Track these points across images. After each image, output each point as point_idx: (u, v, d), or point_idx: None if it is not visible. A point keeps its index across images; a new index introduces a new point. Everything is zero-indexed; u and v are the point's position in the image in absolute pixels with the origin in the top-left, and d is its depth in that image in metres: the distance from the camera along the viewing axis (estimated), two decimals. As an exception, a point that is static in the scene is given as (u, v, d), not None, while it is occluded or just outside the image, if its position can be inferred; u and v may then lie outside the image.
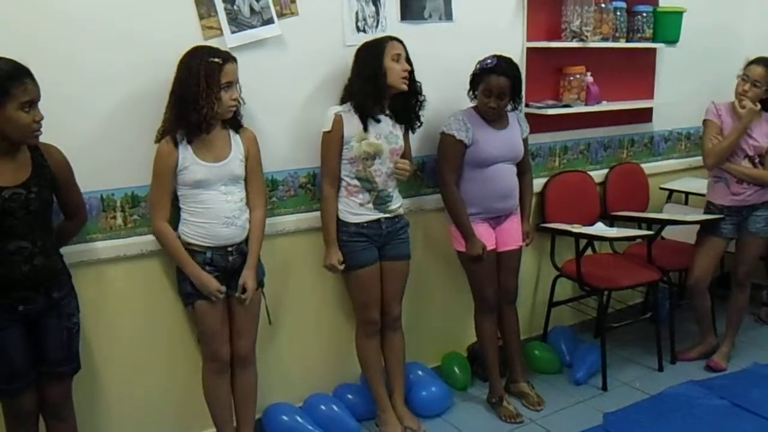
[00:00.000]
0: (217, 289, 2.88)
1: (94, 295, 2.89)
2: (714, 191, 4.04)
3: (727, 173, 3.93)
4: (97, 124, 2.79)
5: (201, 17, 2.94)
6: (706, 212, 4.10)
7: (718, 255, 4.11)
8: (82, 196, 2.70)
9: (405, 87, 3.17)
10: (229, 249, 2.91)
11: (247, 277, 2.95)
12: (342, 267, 3.20)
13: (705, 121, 4.00)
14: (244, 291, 2.95)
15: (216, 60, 2.72)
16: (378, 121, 3.17)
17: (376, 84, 3.10)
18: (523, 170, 3.67)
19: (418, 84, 3.24)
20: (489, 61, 3.38)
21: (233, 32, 3.01)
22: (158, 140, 2.79)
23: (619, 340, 4.29)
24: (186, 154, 2.78)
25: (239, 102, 2.86)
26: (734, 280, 4.17)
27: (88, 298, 2.81)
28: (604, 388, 3.87)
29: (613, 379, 3.94)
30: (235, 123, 2.93)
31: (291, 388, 3.48)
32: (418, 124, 3.34)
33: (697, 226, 4.09)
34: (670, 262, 4.24)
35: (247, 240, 2.97)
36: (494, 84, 3.35)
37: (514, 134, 3.54)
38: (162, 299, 3.06)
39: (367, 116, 3.13)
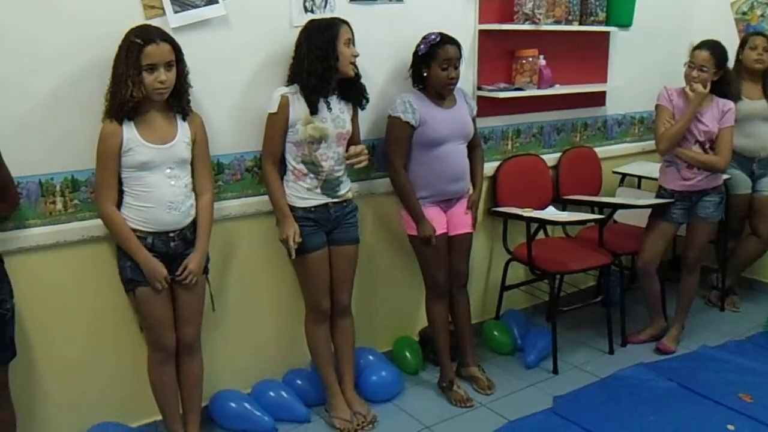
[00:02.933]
0: (165, 277, 2.82)
1: (32, 281, 2.81)
2: (665, 176, 4.06)
3: (679, 158, 3.95)
4: (34, 105, 2.71)
5: (142, -4, 2.86)
6: (657, 196, 4.11)
7: (668, 239, 4.13)
8: (10, 178, 2.61)
9: (353, 73, 3.15)
10: (171, 234, 2.83)
11: (193, 260, 2.89)
12: (300, 239, 3.13)
13: (657, 106, 4.00)
14: (184, 270, 2.88)
15: (136, 40, 2.61)
16: (325, 103, 3.13)
17: (327, 66, 3.05)
18: (474, 146, 3.66)
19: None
20: (433, 36, 3.37)
21: (176, 12, 2.93)
22: (104, 119, 2.71)
23: (570, 324, 4.32)
24: (131, 135, 2.70)
25: (184, 86, 2.78)
26: (684, 264, 4.20)
27: (26, 284, 2.75)
28: (555, 371, 3.89)
29: (564, 362, 3.96)
30: (181, 107, 2.83)
31: (239, 375, 3.44)
32: (365, 101, 3.29)
33: (649, 210, 4.11)
34: (622, 245, 4.25)
35: (189, 226, 2.90)
36: (452, 53, 3.35)
37: (462, 112, 3.52)
38: (104, 285, 2.98)
39: (314, 98, 3.08)
